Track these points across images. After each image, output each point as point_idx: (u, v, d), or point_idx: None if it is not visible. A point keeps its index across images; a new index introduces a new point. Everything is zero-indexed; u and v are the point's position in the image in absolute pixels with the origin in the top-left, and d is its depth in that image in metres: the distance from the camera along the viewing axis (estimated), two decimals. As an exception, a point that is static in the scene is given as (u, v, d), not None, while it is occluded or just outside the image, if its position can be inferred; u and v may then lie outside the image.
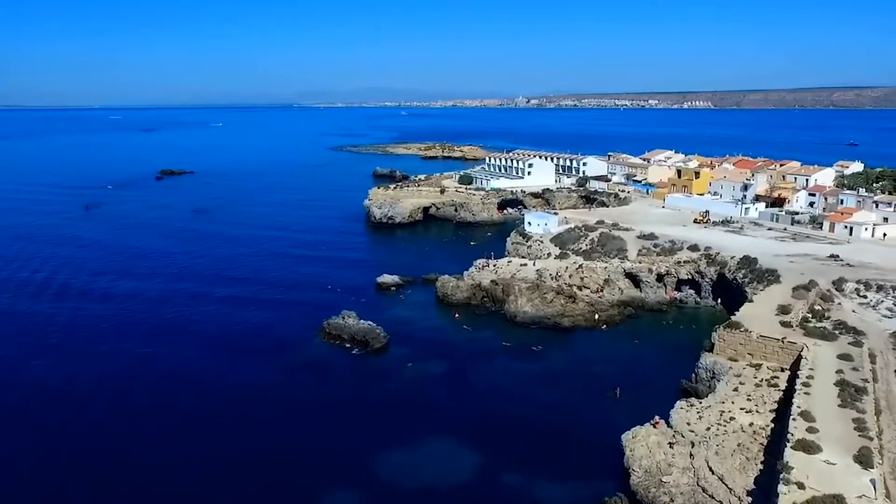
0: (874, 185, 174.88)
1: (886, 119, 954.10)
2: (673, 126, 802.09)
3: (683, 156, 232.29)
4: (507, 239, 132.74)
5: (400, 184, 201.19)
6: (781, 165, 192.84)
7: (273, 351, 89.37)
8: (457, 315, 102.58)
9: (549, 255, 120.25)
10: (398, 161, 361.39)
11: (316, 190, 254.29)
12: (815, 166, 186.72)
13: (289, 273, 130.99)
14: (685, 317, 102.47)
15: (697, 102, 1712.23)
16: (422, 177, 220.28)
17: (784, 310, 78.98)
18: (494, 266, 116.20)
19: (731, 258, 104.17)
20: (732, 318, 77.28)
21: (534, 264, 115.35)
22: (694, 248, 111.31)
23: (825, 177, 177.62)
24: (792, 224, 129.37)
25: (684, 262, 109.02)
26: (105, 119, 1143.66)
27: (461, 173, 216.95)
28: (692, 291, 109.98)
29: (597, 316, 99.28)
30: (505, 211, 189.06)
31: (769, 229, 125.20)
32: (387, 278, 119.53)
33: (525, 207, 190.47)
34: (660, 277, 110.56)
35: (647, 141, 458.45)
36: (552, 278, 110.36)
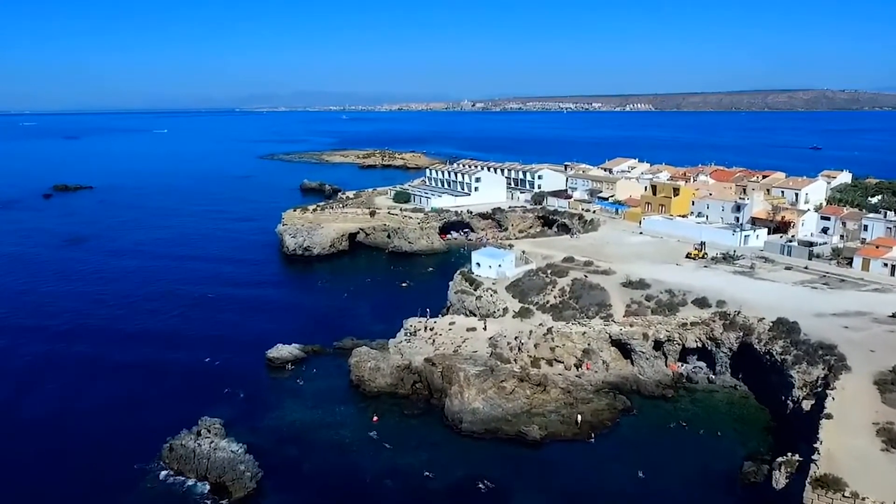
0: (871, 199, 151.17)
1: (830, 121, 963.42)
2: (619, 129, 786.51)
3: (649, 165, 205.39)
4: (450, 284, 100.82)
5: (322, 204, 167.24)
6: (764, 177, 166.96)
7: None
8: (375, 418, 69.84)
9: (504, 310, 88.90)
10: (332, 171, 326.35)
11: (230, 208, 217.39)
12: (804, 178, 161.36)
13: (151, 336, 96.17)
14: (700, 407, 72.28)
15: (639, 105, 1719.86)
16: (350, 194, 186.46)
17: (890, 435, 49.26)
18: (431, 331, 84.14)
19: (759, 320, 74.67)
20: (816, 459, 46.64)
21: (485, 327, 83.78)
22: (702, 301, 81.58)
23: (817, 190, 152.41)
24: (810, 258, 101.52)
25: (692, 324, 79.08)
26: (15, 125, 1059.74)
27: (397, 188, 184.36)
28: (703, 364, 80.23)
29: (579, 417, 68.07)
30: (448, 235, 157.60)
31: (787, 268, 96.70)
32: (282, 351, 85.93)
33: (472, 230, 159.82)
34: (657, 344, 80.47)
35: (599, 146, 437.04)
36: (511, 349, 79.00)
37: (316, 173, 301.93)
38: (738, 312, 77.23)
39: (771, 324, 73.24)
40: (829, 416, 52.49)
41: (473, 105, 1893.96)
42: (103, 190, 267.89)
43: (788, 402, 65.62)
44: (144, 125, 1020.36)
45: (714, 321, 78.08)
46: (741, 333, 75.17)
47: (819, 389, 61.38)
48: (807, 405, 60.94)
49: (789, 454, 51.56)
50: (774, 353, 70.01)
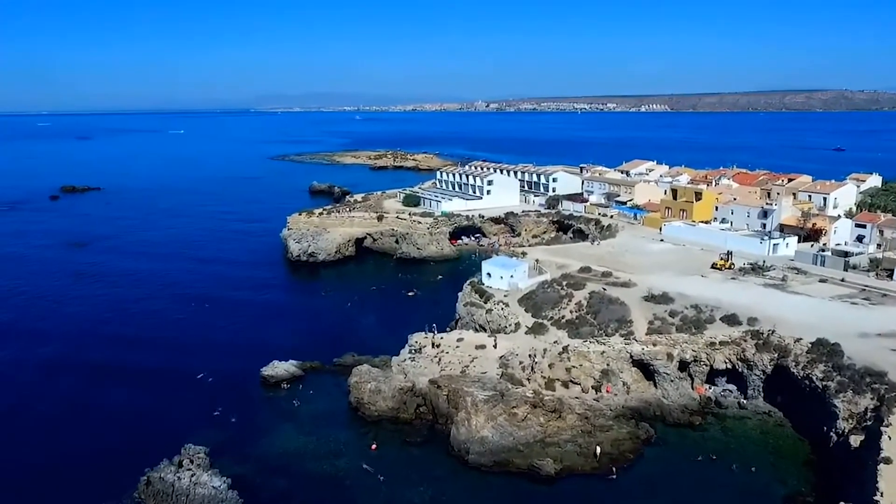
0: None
1: (849, 122, 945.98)
2: (634, 130, 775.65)
3: (668, 168, 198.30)
4: (459, 295, 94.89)
5: (329, 208, 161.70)
6: (790, 180, 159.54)
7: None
8: (374, 446, 64.07)
9: (516, 325, 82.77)
10: (343, 173, 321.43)
11: (237, 211, 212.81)
12: (832, 181, 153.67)
13: (142, 347, 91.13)
14: (731, 437, 65.73)
15: (654, 106, 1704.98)
16: (358, 197, 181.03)
17: (961, 488, 42.78)
18: (438, 347, 78.25)
19: (796, 341, 68.07)
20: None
21: (495, 345, 77.72)
22: (731, 318, 75.03)
23: (846, 195, 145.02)
24: (846, 269, 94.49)
25: (721, 343, 72.62)
26: (31, 125, 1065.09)
27: (406, 192, 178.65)
28: (732, 387, 73.78)
29: (598, 449, 61.87)
30: (459, 241, 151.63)
31: (822, 281, 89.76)
32: (278, 368, 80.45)
33: (484, 236, 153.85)
34: (683, 365, 74.10)
35: (615, 147, 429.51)
36: (524, 369, 73.01)
37: (326, 175, 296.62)
38: (773, 331, 70.64)
39: (809, 345, 66.66)
40: (887, 461, 46.06)
41: (487, 106, 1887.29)
42: (111, 191, 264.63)
43: (832, 434, 59.11)
44: (160, 126, 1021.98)
45: (745, 341, 71.58)
46: (776, 355, 68.62)
47: (869, 423, 54.90)
48: (855, 441, 54.49)
49: (841, 504, 45.17)
50: (814, 378, 63.46)
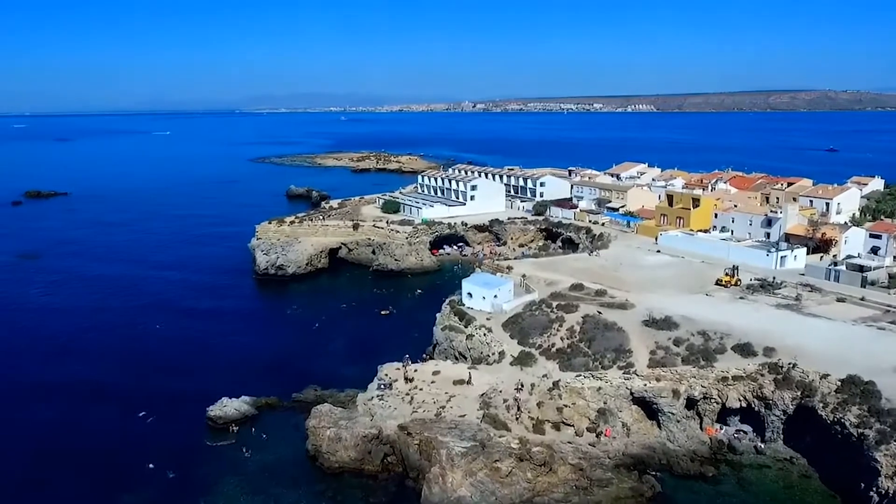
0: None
1: (834, 122, 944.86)
2: (621, 130, 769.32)
3: (660, 171, 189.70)
4: (438, 316, 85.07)
5: (302, 216, 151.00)
6: (789, 184, 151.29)
7: None
8: (330, 511, 54.17)
9: (500, 354, 73.07)
10: (324, 175, 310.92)
11: (210, 215, 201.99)
12: (834, 186, 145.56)
13: (75, 382, 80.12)
14: (750, 492, 56.24)
15: (641, 106, 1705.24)
16: (334, 203, 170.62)
17: None
18: (411, 382, 68.42)
19: (822, 377, 58.88)
20: None
21: (469, 380, 67.71)
22: (745, 348, 65.74)
23: (849, 199, 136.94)
24: (863, 286, 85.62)
25: (734, 378, 63.28)
26: (5, 127, 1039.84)
27: (386, 197, 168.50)
28: (747, 427, 64.48)
29: (596, 513, 52.36)
30: (441, 251, 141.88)
31: (840, 300, 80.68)
32: (227, 407, 70.21)
33: (467, 245, 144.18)
34: (690, 402, 64.76)
35: (602, 147, 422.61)
36: (509, 408, 63.29)
37: (305, 178, 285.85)
38: (794, 365, 61.40)
39: (839, 383, 57.48)
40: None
41: (474, 106, 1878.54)
42: (79, 197, 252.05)
43: (872, 494, 50.05)
44: (147, 127, 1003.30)
45: (762, 375, 62.30)
46: (799, 393, 59.40)
47: (921, 486, 45.76)
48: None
49: None
50: (847, 424, 54.30)
